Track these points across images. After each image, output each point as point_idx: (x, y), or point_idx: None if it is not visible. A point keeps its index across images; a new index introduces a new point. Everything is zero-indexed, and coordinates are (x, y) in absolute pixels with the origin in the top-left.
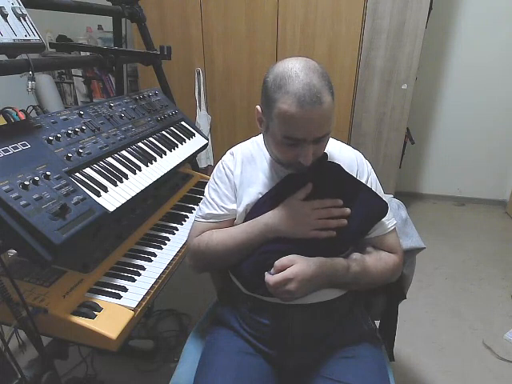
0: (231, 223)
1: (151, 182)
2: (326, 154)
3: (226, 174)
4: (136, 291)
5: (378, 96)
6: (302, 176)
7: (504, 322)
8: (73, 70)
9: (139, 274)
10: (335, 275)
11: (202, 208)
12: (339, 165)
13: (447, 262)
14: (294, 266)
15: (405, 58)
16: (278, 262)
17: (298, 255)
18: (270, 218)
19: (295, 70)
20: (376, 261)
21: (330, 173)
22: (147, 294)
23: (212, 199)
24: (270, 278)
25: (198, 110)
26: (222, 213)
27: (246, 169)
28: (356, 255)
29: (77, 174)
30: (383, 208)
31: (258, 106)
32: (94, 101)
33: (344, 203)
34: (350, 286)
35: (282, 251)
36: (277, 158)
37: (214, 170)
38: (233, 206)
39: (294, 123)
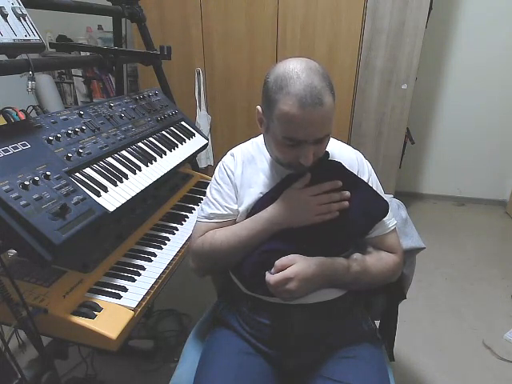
0: (233, 223)
1: (151, 182)
2: (327, 153)
3: (227, 175)
4: (136, 291)
5: (378, 96)
6: (302, 175)
7: (504, 322)
8: (73, 70)
9: (139, 274)
10: (335, 275)
11: (205, 208)
12: (340, 162)
13: (447, 262)
14: (295, 266)
15: (405, 58)
16: (279, 262)
17: (299, 255)
18: (271, 212)
19: (296, 70)
20: (376, 261)
21: (331, 171)
22: (147, 294)
23: (215, 199)
24: (271, 277)
25: (198, 109)
26: (226, 212)
27: (247, 169)
28: (356, 255)
29: (77, 174)
30: (384, 207)
31: (259, 107)
32: (94, 101)
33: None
34: (351, 286)
35: (283, 251)
36: (277, 159)
37: (216, 171)
38: (236, 207)
39: (294, 124)
